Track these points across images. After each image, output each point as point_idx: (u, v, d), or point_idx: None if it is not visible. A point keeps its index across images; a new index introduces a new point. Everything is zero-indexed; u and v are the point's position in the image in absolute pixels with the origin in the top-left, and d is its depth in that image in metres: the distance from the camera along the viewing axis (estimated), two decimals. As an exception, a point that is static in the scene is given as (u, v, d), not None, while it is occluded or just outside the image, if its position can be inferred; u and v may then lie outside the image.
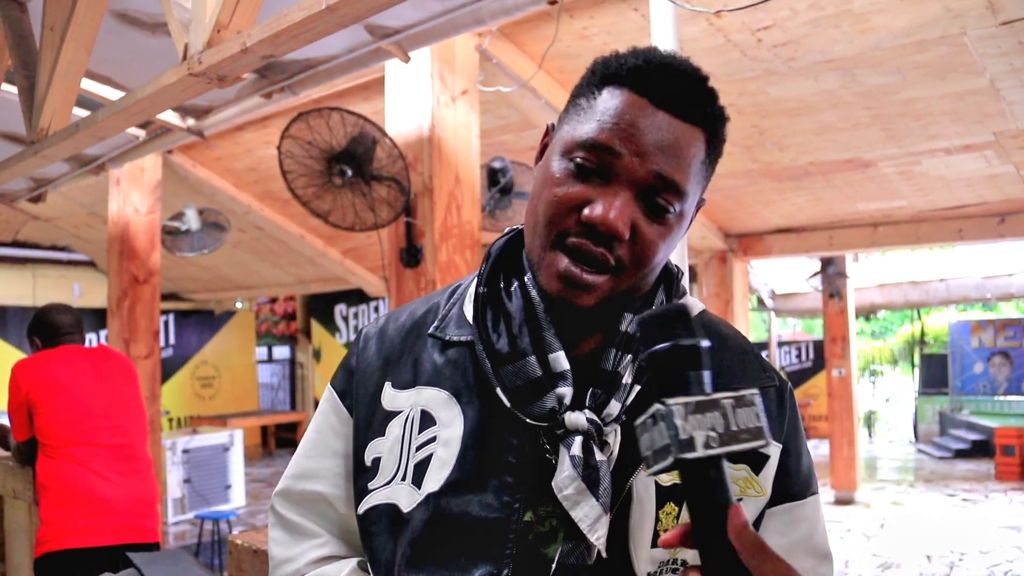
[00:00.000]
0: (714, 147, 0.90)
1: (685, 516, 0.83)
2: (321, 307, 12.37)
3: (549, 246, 0.88)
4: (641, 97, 0.86)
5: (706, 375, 0.73)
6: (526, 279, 0.94)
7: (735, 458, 0.91)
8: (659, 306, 0.82)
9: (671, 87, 0.86)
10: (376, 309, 11.48)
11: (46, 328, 3.31)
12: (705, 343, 0.73)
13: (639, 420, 0.73)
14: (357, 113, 3.34)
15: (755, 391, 0.72)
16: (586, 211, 0.85)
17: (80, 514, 3.04)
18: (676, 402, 0.69)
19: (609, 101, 0.87)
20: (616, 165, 0.85)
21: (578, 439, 0.86)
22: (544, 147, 0.96)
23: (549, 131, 0.97)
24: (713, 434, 0.69)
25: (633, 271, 0.88)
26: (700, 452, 0.68)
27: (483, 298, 0.96)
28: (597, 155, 0.85)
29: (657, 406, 0.70)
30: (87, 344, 3.44)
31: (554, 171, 0.89)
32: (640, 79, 0.86)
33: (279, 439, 13.12)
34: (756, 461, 0.93)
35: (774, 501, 0.95)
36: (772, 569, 0.68)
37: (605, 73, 0.89)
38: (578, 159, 0.86)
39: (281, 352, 13.90)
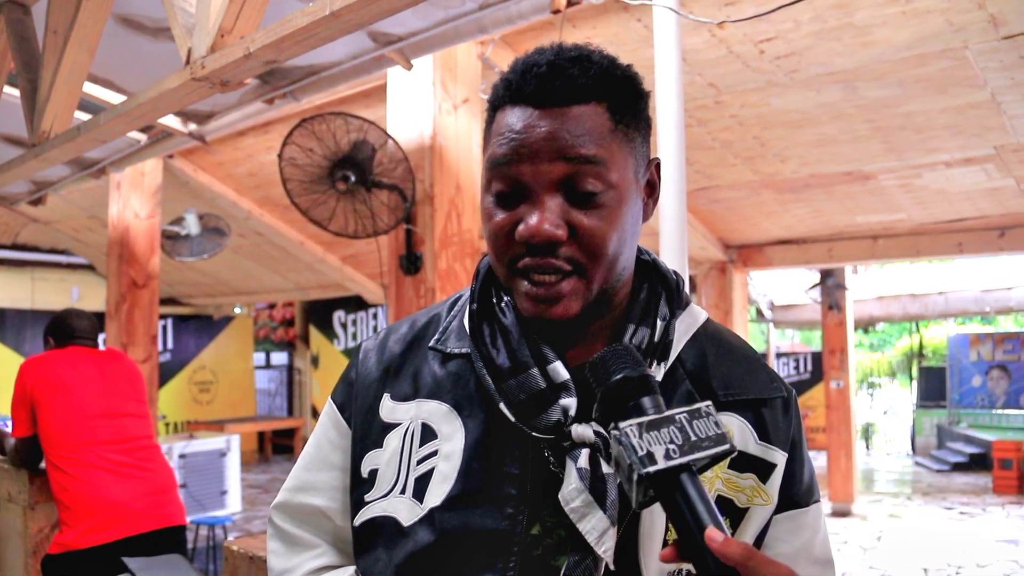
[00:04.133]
0: (620, 111, 0.88)
1: None
2: (320, 313, 12.36)
3: (509, 275, 0.90)
4: (523, 106, 0.87)
5: (657, 398, 0.78)
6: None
7: (742, 467, 0.92)
8: (612, 346, 0.83)
9: (542, 83, 0.86)
10: (375, 316, 11.47)
11: (61, 330, 3.40)
12: (651, 372, 0.81)
13: (613, 456, 0.76)
14: (361, 117, 3.34)
15: (709, 403, 0.77)
16: (518, 230, 0.86)
17: (99, 518, 3.09)
18: (629, 424, 0.73)
19: (499, 123, 0.89)
20: (523, 175, 0.86)
21: (585, 451, 0.85)
22: None
23: None
24: (673, 446, 0.72)
25: (593, 265, 0.87)
26: (662, 464, 0.71)
27: (477, 315, 0.97)
28: (505, 175, 0.87)
29: (614, 432, 0.74)
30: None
31: (486, 207, 0.90)
32: (514, 91, 0.88)
33: (276, 445, 13.09)
34: (763, 470, 0.94)
35: (779, 508, 0.95)
36: (770, 574, 0.69)
37: (491, 101, 0.92)
38: (496, 186, 0.88)
39: (279, 358, 13.89)
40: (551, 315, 0.87)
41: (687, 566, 0.88)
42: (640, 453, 0.71)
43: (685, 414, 0.74)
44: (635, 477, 0.71)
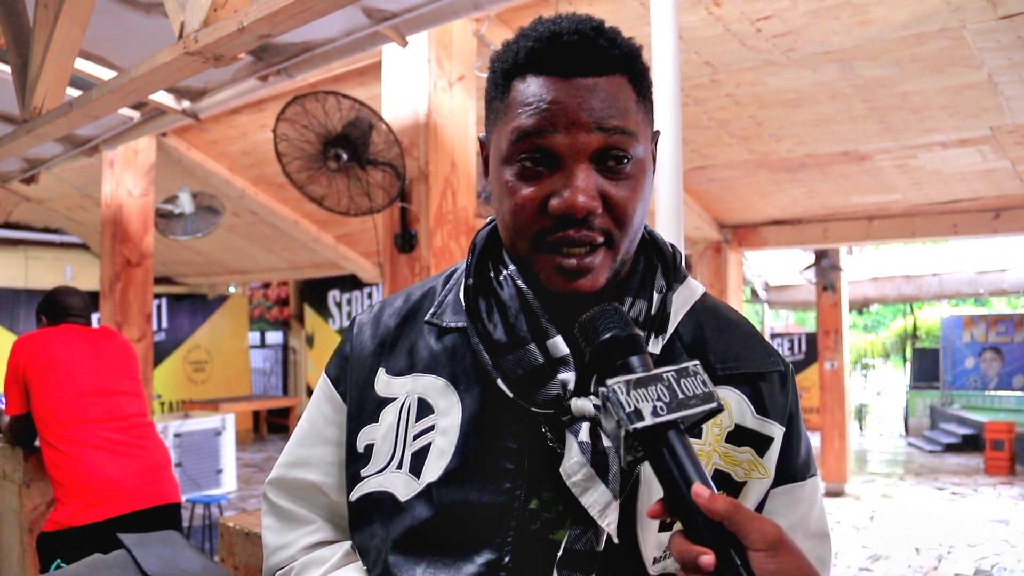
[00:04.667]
0: (640, 83, 0.89)
1: None
2: (314, 293, 12.34)
3: (533, 250, 0.88)
4: (548, 76, 0.85)
5: (645, 357, 0.78)
6: (512, 269, 0.94)
7: (740, 441, 0.92)
8: (600, 306, 0.83)
9: (569, 53, 0.84)
10: (370, 295, 11.46)
11: (53, 307, 3.38)
12: (639, 332, 0.80)
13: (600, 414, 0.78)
14: (353, 97, 3.32)
15: (696, 362, 0.77)
16: (552, 203, 0.84)
17: (93, 496, 3.09)
18: (616, 381, 0.74)
19: (522, 93, 0.86)
20: (557, 146, 0.84)
21: (585, 425, 0.85)
22: (486, 161, 0.96)
23: (483, 145, 0.97)
24: (660, 403, 0.73)
25: (621, 236, 0.87)
26: (649, 420, 0.72)
27: (473, 289, 0.95)
28: (536, 146, 0.85)
29: (601, 390, 0.75)
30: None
31: (507, 179, 0.88)
32: (538, 60, 0.86)
33: (271, 424, 13.12)
34: (760, 444, 0.94)
35: (776, 482, 0.95)
36: (756, 528, 0.69)
37: (505, 69, 0.89)
38: (522, 159, 0.86)
39: (274, 337, 13.88)
40: (581, 288, 0.86)
41: None
42: (628, 410, 0.72)
43: (673, 372, 0.75)
44: (622, 433, 0.72)
